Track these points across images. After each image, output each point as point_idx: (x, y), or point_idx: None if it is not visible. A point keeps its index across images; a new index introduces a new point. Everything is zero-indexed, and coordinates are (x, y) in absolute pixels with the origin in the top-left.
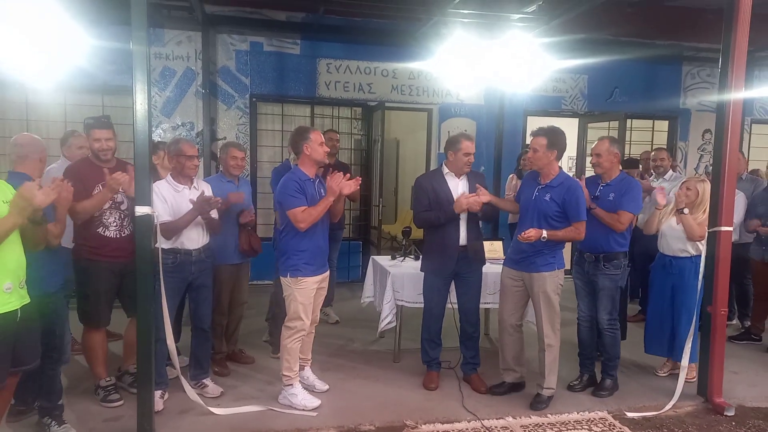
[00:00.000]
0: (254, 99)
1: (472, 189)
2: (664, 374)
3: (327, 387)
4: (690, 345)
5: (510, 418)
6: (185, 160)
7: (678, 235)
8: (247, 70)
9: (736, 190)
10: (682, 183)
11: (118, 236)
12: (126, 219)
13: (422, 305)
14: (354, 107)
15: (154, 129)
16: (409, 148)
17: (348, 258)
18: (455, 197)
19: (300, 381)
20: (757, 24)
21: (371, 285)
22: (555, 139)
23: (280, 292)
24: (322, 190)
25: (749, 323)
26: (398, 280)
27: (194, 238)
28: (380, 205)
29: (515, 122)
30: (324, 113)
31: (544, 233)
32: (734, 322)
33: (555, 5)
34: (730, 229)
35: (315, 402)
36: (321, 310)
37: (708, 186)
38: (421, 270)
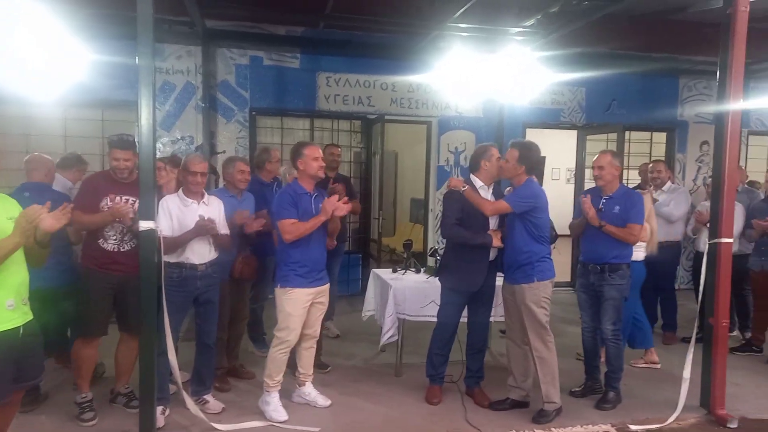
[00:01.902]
0: (254, 113)
1: (498, 196)
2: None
3: (329, 402)
4: (690, 356)
5: None
6: (189, 175)
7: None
8: (247, 84)
9: (736, 202)
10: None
11: (116, 250)
12: (127, 234)
13: (424, 319)
14: (353, 120)
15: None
16: (408, 160)
17: (348, 271)
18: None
19: (301, 397)
20: (753, 37)
21: (372, 298)
22: (526, 154)
23: None
24: (319, 205)
25: (750, 334)
26: (400, 293)
27: (200, 253)
28: (380, 218)
29: (514, 134)
30: (324, 126)
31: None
32: (735, 333)
33: (553, 20)
34: (731, 240)
35: (283, 416)
36: (322, 323)
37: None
38: (442, 283)
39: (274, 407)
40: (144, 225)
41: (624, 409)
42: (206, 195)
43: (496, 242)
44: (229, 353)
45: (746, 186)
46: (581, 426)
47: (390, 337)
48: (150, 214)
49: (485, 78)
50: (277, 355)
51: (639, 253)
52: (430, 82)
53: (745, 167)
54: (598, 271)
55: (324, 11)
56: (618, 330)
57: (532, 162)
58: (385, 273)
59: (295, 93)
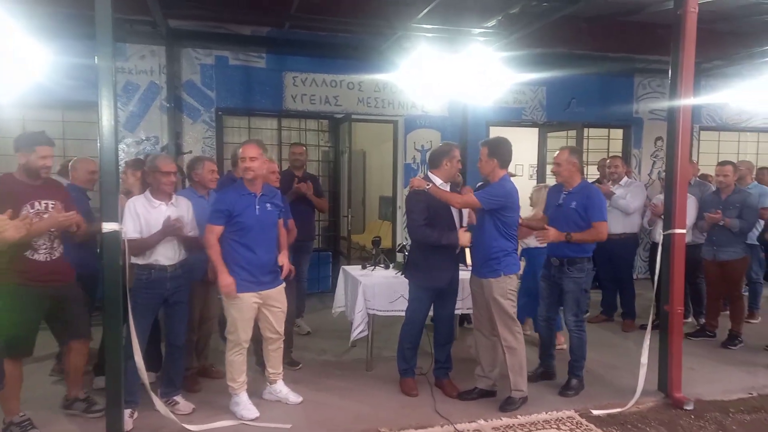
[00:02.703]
0: (220, 112)
1: (454, 191)
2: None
3: (301, 399)
4: (647, 342)
5: (482, 421)
6: (161, 176)
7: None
8: (213, 84)
9: (690, 195)
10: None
11: (48, 260)
12: (56, 241)
13: (394, 313)
14: (321, 120)
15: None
16: (376, 159)
17: (318, 269)
18: (455, 210)
19: (273, 394)
20: (703, 38)
21: (342, 295)
22: (495, 149)
23: None
24: (267, 206)
25: (704, 320)
26: (369, 289)
27: (169, 255)
28: (349, 216)
29: (478, 133)
30: (291, 126)
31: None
32: (690, 320)
33: (513, 21)
34: (684, 231)
35: (253, 413)
36: (293, 321)
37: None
38: (410, 281)
39: (244, 406)
40: (107, 227)
41: (586, 395)
42: (174, 196)
43: (464, 242)
44: (198, 353)
45: (698, 179)
46: (546, 413)
47: (360, 332)
48: (113, 216)
49: (450, 78)
50: (232, 358)
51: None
52: (396, 81)
53: (697, 161)
54: (558, 264)
55: (289, 11)
56: (580, 321)
57: (502, 154)
58: (354, 269)
59: (262, 93)
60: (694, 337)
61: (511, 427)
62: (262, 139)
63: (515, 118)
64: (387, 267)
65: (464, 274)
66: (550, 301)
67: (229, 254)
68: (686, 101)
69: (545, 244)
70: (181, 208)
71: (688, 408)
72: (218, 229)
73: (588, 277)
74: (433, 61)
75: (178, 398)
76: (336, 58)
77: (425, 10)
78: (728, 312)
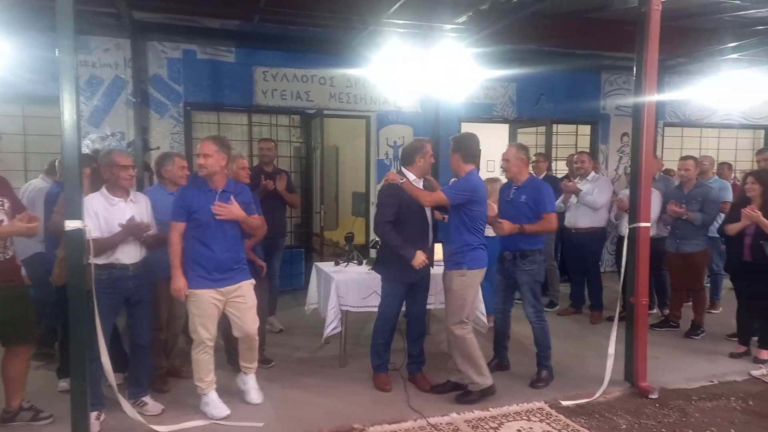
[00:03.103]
0: (188, 107)
1: (427, 188)
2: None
3: (260, 401)
4: (614, 334)
5: (455, 414)
6: (119, 170)
7: None
8: (180, 78)
9: (653, 188)
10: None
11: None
12: (8, 240)
13: (367, 309)
14: (292, 115)
15: (81, 139)
16: (349, 154)
17: (290, 266)
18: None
19: (241, 382)
20: (667, 35)
21: (315, 292)
22: (458, 144)
23: None
24: (226, 202)
25: (668, 311)
26: (342, 285)
27: (131, 253)
28: (322, 212)
29: (450, 129)
30: (262, 121)
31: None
32: (655, 311)
33: (483, 17)
34: (648, 224)
35: (223, 412)
36: (265, 319)
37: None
38: (382, 276)
39: (214, 405)
40: (70, 225)
41: (556, 386)
42: (132, 192)
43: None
44: (167, 353)
45: (662, 174)
46: (517, 404)
47: (333, 329)
48: (76, 214)
49: (422, 73)
50: (197, 357)
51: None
52: (368, 77)
53: (662, 157)
54: (511, 258)
55: (258, 5)
56: (539, 312)
57: (466, 149)
58: (327, 266)
59: (232, 88)
60: (659, 328)
61: (483, 419)
62: (231, 134)
63: (486, 114)
64: (360, 263)
65: (436, 269)
66: (506, 294)
67: (188, 250)
68: (650, 98)
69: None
70: (140, 205)
71: (653, 397)
72: (179, 226)
73: (540, 269)
74: (405, 57)
75: (147, 399)
76: (307, 53)
77: (396, 5)
78: (691, 303)
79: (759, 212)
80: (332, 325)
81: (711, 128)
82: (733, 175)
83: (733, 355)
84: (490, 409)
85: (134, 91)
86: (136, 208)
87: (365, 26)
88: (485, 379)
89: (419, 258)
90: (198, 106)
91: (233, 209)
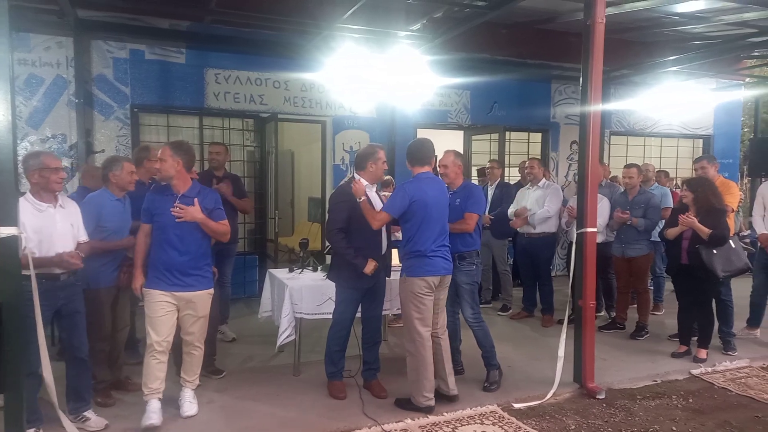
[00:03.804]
0: (136, 109)
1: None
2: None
3: (193, 413)
4: (563, 336)
5: (409, 420)
6: (50, 173)
7: None
8: (127, 79)
9: (602, 195)
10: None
11: None
12: None
13: (322, 316)
14: (245, 119)
15: (19, 141)
16: (305, 159)
17: (244, 273)
18: (377, 207)
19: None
20: (612, 47)
21: (269, 299)
22: (408, 150)
23: None
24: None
25: (614, 314)
26: (296, 292)
27: None
28: (276, 218)
29: (406, 134)
30: (214, 125)
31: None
32: (602, 313)
33: (437, 25)
34: (595, 230)
35: (150, 420)
36: (217, 328)
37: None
38: (336, 282)
39: (147, 415)
40: (4, 232)
41: (509, 388)
42: (60, 196)
43: (368, 270)
44: (111, 365)
45: (609, 181)
46: (470, 408)
47: (287, 336)
48: (11, 220)
49: (377, 79)
50: (147, 360)
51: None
52: (323, 81)
53: (608, 164)
54: (453, 260)
55: (209, 5)
56: (477, 313)
57: (412, 154)
58: (281, 273)
59: (182, 89)
60: (606, 330)
61: (437, 424)
62: (182, 137)
63: (441, 121)
64: (315, 269)
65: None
66: (452, 297)
67: (150, 251)
68: (596, 107)
69: None
70: (70, 211)
71: (600, 397)
72: (145, 227)
73: (478, 270)
74: (361, 62)
75: (89, 414)
76: (261, 56)
77: (351, 11)
78: (636, 305)
79: (695, 218)
80: (286, 332)
81: (654, 137)
82: (675, 182)
83: (674, 355)
84: (444, 413)
85: (77, 92)
86: (66, 214)
87: (319, 30)
88: (423, 401)
89: (370, 266)
90: (146, 108)
91: (192, 211)
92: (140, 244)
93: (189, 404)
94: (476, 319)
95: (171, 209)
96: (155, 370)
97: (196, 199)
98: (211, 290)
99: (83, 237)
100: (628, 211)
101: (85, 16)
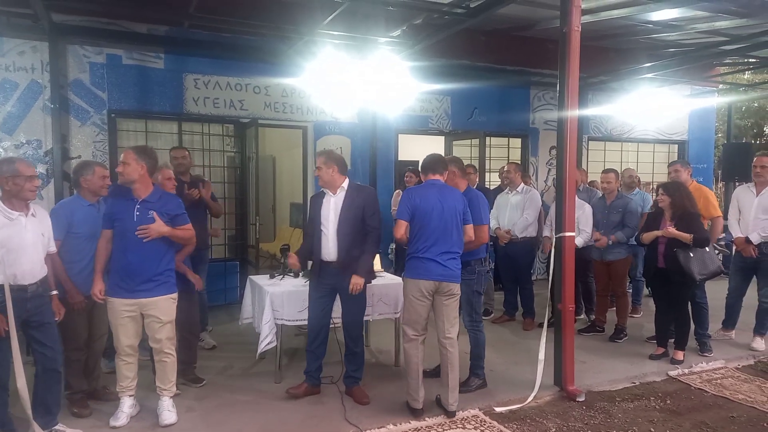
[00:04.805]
0: (113, 115)
1: (348, 203)
2: None
3: (171, 423)
4: (543, 340)
5: (391, 426)
6: (24, 181)
7: None
8: (104, 84)
9: (583, 201)
10: None
11: None
12: None
13: (303, 323)
14: (225, 124)
15: None
16: (286, 165)
17: (225, 279)
18: (326, 213)
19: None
20: (589, 54)
21: (250, 306)
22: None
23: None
24: (150, 212)
25: (594, 317)
26: (277, 298)
27: (30, 272)
28: (257, 224)
29: (387, 140)
30: (194, 130)
31: None
32: (582, 316)
33: (417, 31)
34: (573, 234)
35: (117, 421)
36: (196, 335)
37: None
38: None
39: (116, 414)
40: None
41: (491, 393)
42: (32, 205)
43: (289, 262)
44: (88, 374)
45: (587, 186)
46: None
47: (269, 343)
48: None
49: (359, 85)
50: (117, 363)
51: None
52: (304, 87)
53: (587, 169)
54: None
55: (188, 10)
56: (476, 321)
57: (422, 164)
58: (261, 279)
59: (161, 95)
60: (586, 333)
61: (419, 430)
62: (161, 143)
63: (422, 126)
64: (296, 275)
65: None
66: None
67: (111, 258)
68: (572, 113)
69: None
70: (40, 219)
71: (580, 399)
72: (106, 233)
73: (480, 278)
74: (342, 68)
75: (61, 426)
76: (241, 61)
77: (331, 17)
78: (615, 308)
79: (674, 229)
80: (267, 339)
81: (631, 143)
82: (651, 187)
83: (652, 357)
84: (426, 419)
85: (52, 97)
86: (37, 223)
87: (300, 36)
88: (411, 401)
89: (290, 259)
90: (123, 114)
91: (157, 228)
92: (101, 249)
93: (168, 413)
94: (474, 327)
95: (136, 232)
96: (124, 370)
97: (155, 214)
98: (174, 295)
99: (53, 248)
100: (603, 237)
101: (60, 20)
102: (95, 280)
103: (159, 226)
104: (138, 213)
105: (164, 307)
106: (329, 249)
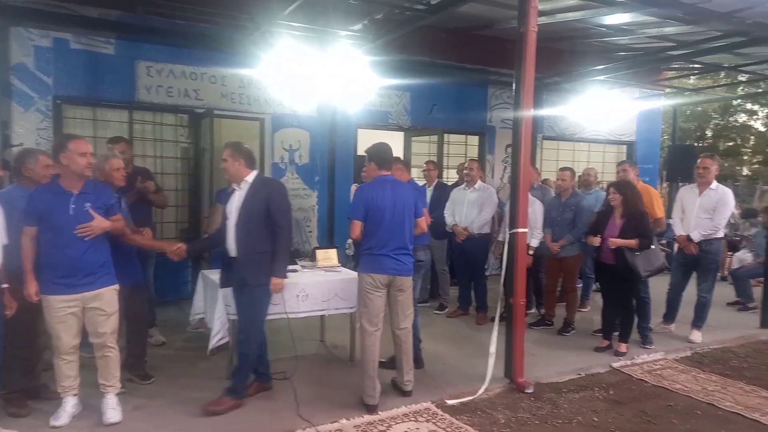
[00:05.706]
0: (59, 101)
1: (249, 196)
2: None
3: (115, 421)
4: (495, 334)
5: (344, 420)
6: None
7: None
8: (50, 69)
9: (535, 198)
10: None
11: None
12: None
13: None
14: (179, 114)
15: None
16: None
17: (176, 274)
18: (230, 207)
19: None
20: (544, 55)
21: (201, 301)
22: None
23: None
24: (87, 205)
25: (544, 311)
26: (229, 293)
27: None
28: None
29: (347, 134)
30: (145, 119)
31: None
32: (533, 311)
33: (378, 26)
34: (525, 230)
35: (57, 421)
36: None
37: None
38: None
39: (56, 414)
40: None
41: (443, 385)
42: None
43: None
44: (29, 371)
45: (540, 184)
46: (405, 406)
47: (220, 339)
48: None
49: (318, 78)
50: (56, 363)
51: None
52: (262, 78)
53: (540, 168)
54: None
55: None
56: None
57: (372, 158)
58: (214, 274)
59: (111, 82)
60: (536, 327)
61: (372, 423)
62: (110, 132)
63: (382, 122)
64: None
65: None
66: None
67: (42, 254)
68: (528, 112)
69: None
70: None
71: (528, 391)
72: (30, 230)
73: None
74: (301, 60)
75: None
76: (196, 49)
77: (291, 7)
78: (564, 303)
79: (620, 239)
80: (219, 335)
81: (583, 142)
82: (601, 186)
83: (597, 349)
84: (379, 412)
85: None
86: None
87: (258, 26)
88: (366, 397)
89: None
90: (70, 100)
91: (99, 224)
92: (27, 248)
93: (112, 411)
94: None
95: (75, 232)
96: (66, 369)
97: (90, 209)
98: (117, 286)
99: (4, 239)
100: (554, 243)
101: (4, 0)
102: (28, 281)
103: (100, 223)
104: (74, 207)
105: (109, 298)
106: (231, 244)
